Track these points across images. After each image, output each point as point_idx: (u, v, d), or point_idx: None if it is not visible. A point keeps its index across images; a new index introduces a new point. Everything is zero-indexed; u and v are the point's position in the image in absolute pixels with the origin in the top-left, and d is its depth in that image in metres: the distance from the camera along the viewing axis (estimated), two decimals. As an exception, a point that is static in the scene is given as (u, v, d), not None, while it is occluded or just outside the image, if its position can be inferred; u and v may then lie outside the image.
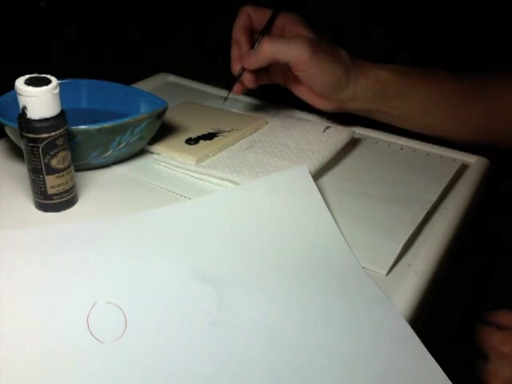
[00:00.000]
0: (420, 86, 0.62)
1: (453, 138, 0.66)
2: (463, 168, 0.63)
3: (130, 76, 0.77)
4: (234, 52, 0.62)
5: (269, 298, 0.43)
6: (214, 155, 0.61)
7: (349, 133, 0.64)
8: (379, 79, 0.61)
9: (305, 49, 0.58)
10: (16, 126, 0.49)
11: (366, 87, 0.61)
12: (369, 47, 0.80)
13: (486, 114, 0.63)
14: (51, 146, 0.49)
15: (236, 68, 0.63)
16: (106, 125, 0.54)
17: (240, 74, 0.63)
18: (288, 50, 0.58)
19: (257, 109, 0.72)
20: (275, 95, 0.72)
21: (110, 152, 0.57)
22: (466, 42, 0.75)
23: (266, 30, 0.62)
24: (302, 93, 0.64)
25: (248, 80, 0.62)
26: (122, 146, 0.57)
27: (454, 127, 0.65)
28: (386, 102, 0.62)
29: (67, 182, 0.52)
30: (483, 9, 0.74)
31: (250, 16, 0.62)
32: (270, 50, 0.58)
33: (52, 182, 0.50)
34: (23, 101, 0.47)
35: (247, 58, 0.60)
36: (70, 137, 0.51)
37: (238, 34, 0.62)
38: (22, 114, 0.48)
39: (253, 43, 0.63)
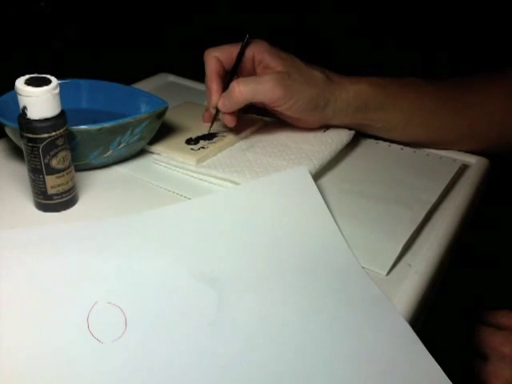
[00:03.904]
0: (401, 98, 0.62)
1: (437, 147, 0.66)
2: (463, 168, 0.63)
3: (130, 76, 0.76)
4: (210, 98, 0.61)
5: (269, 298, 0.43)
6: (214, 155, 0.61)
7: (349, 134, 0.64)
8: (359, 93, 0.60)
9: (276, 88, 0.57)
10: (16, 126, 0.49)
11: (346, 103, 0.60)
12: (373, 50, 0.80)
13: (467, 121, 0.63)
14: (51, 146, 0.49)
15: (211, 113, 0.63)
16: (106, 125, 0.54)
17: (216, 115, 0.62)
18: (259, 91, 0.58)
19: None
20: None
21: (110, 152, 0.57)
22: (468, 44, 0.75)
23: (235, 71, 0.62)
24: (283, 117, 0.64)
25: (228, 120, 0.61)
26: (122, 146, 0.57)
27: (436, 136, 0.65)
28: (368, 116, 0.62)
29: (67, 182, 0.52)
30: (484, 10, 0.74)
31: (218, 58, 0.61)
32: (242, 95, 0.58)
33: (52, 182, 0.50)
34: (23, 101, 0.47)
35: (222, 104, 0.60)
36: (70, 137, 0.51)
37: (210, 82, 0.61)
38: (22, 114, 0.48)
39: (226, 84, 0.61)
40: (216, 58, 0.61)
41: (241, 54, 0.61)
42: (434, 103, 0.63)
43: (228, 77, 0.62)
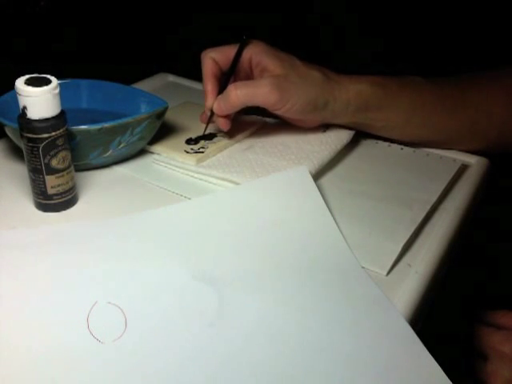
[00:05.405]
0: (401, 97, 0.62)
1: (437, 146, 0.66)
2: (463, 168, 0.63)
3: (130, 76, 0.76)
4: (206, 100, 0.61)
5: (269, 298, 0.43)
6: (214, 155, 0.61)
7: (349, 134, 0.64)
8: (360, 93, 0.60)
9: (273, 92, 0.57)
10: (16, 126, 0.49)
11: (347, 103, 0.60)
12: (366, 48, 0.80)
13: (467, 120, 0.63)
14: (51, 146, 0.49)
15: (207, 114, 0.62)
16: (106, 125, 0.54)
17: (211, 117, 0.61)
18: (256, 96, 0.57)
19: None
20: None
21: (110, 152, 0.57)
22: (464, 46, 0.75)
23: (231, 72, 0.61)
24: (282, 118, 0.64)
25: (222, 123, 0.60)
26: (122, 146, 0.57)
27: (437, 135, 0.65)
28: (368, 115, 0.62)
29: (67, 182, 0.52)
30: (483, 11, 0.74)
31: (215, 59, 0.61)
32: (239, 99, 0.57)
33: (52, 182, 0.50)
34: (23, 101, 0.47)
35: (218, 106, 0.59)
36: (70, 137, 0.51)
37: (206, 83, 0.61)
38: (22, 114, 0.48)
39: (222, 86, 0.61)
40: (212, 59, 0.61)
41: (238, 56, 0.61)
42: (434, 102, 0.63)
43: (224, 78, 0.62)
